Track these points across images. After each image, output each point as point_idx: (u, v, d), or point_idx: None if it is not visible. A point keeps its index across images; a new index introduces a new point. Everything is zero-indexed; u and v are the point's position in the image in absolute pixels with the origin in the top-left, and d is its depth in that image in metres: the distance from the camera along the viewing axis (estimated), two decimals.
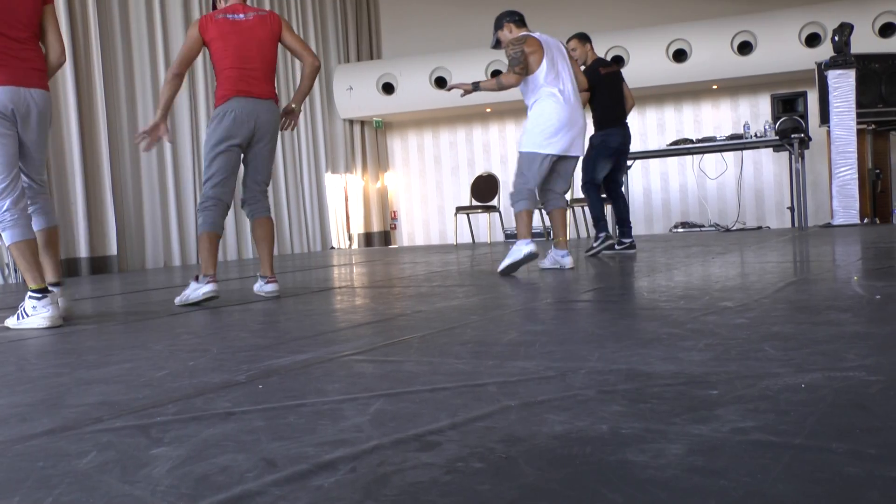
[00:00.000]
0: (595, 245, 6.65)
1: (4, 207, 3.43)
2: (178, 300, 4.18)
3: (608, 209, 7.39)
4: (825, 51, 9.89)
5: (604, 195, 6.86)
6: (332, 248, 12.19)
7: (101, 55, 8.45)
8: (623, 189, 7.09)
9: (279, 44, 4.40)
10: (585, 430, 1.32)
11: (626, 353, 2.01)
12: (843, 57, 9.24)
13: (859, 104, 9.33)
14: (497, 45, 5.33)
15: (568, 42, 6.67)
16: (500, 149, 13.06)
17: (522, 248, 4.87)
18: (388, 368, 2.00)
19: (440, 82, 11.88)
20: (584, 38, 6.80)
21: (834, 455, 1.13)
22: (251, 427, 1.48)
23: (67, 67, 8.05)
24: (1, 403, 1.86)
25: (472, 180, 11.89)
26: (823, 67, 9.46)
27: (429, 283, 4.68)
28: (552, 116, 5.03)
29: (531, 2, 12.62)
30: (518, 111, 12.75)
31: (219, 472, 1.22)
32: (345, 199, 12.76)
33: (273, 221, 4.47)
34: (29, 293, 3.47)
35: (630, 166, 10.48)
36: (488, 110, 12.75)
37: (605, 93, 6.65)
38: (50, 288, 3.56)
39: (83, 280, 7.31)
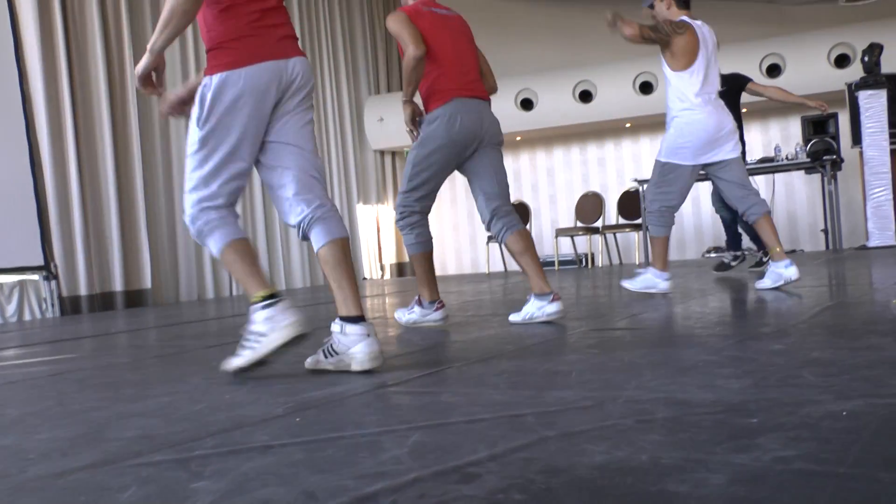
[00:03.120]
0: (734, 263, 6.68)
1: (210, 204, 2.62)
2: (404, 320, 3.96)
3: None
4: (855, 71, 9.82)
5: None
6: (364, 278, 12.23)
7: (135, 89, 8.59)
8: None
9: None
10: (625, 460, 1.31)
11: (664, 381, 1.99)
12: (873, 77, 9.17)
13: (892, 124, 9.24)
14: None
15: None
16: (531, 177, 13.06)
17: (659, 283, 4.69)
18: (425, 400, 2.00)
19: None
20: None
21: (881, 484, 1.11)
22: (291, 460, 1.48)
23: (103, 102, 8.19)
24: (43, 437, 1.88)
25: None
26: (854, 88, 9.39)
27: (463, 312, 4.68)
28: (699, 127, 4.56)
29: (560, 29, 12.71)
30: (548, 139, 12.78)
31: None
32: (376, 230, 12.81)
33: (529, 233, 3.92)
34: (254, 305, 2.58)
35: None
36: (518, 139, 12.78)
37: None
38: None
39: (118, 314, 7.39)
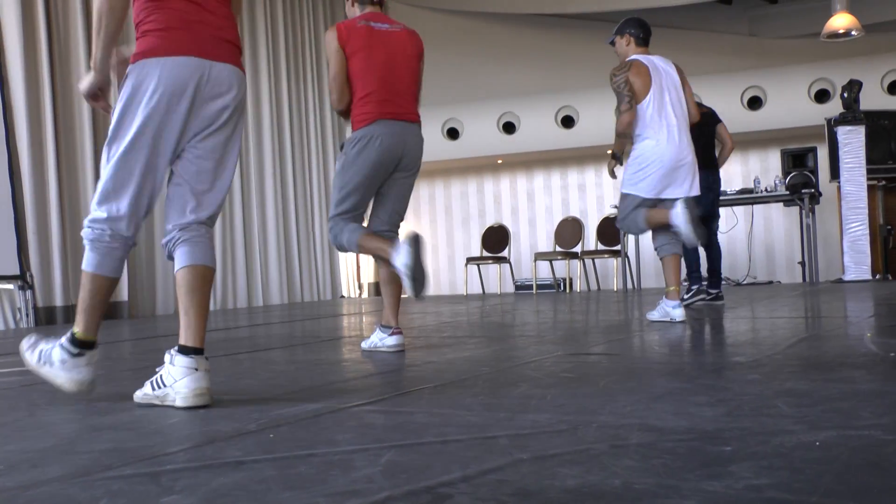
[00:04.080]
0: (686, 297, 6.42)
1: (109, 228, 2.45)
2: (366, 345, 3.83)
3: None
4: (834, 107, 9.97)
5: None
6: (342, 296, 12.20)
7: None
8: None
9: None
10: (598, 484, 1.31)
11: (638, 407, 2.00)
12: (852, 113, 9.30)
13: (869, 160, 9.37)
14: (612, 44, 4.94)
15: None
16: (511, 200, 13.12)
17: (674, 313, 4.56)
18: (398, 419, 2.00)
19: (452, 133, 11.97)
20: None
21: None
22: (262, 476, 1.47)
23: (85, 111, 8.16)
24: (12, 449, 1.86)
25: (482, 231, 11.93)
26: (833, 123, 9.51)
27: (439, 333, 4.68)
28: (651, 156, 4.61)
29: (542, 54, 12.79)
30: (529, 162, 12.85)
31: None
32: None
33: None
34: (66, 336, 2.51)
35: None
36: (499, 161, 12.84)
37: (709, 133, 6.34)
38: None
39: None
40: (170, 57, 2.37)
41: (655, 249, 4.85)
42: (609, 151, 4.95)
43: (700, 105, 6.15)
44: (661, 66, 4.74)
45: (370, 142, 3.61)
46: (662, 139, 4.60)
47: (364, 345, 3.83)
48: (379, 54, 3.65)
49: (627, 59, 4.74)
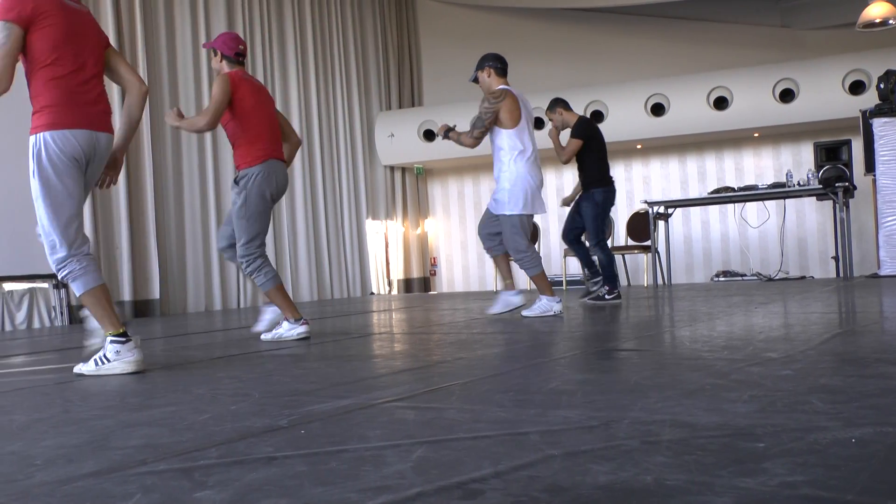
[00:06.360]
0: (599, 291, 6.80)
1: (70, 257, 3.41)
2: (269, 337, 4.51)
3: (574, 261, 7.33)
4: (870, 98, 9.80)
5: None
6: (372, 293, 12.23)
7: (148, 102, 8.64)
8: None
9: None
10: (630, 481, 1.31)
11: (670, 403, 1.98)
12: (888, 105, 9.15)
13: None
14: (475, 81, 5.51)
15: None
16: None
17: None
18: (429, 415, 2.00)
19: None
20: (553, 105, 7.22)
21: None
22: (294, 472, 1.48)
23: (116, 116, 8.23)
24: (48, 444, 1.89)
25: None
26: (868, 115, 9.36)
27: (469, 329, 4.67)
28: (527, 177, 5.24)
29: (572, 49, 12.74)
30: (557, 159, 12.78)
31: None
32: (385, 245, 12.82)
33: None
34: (109, 338, 3.24)
35: (671, 214, 10.44)
36: None
37: (599, 148, 6.92)
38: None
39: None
40: (70, 130, 3.22)
41: (487, 250, 5.57)
42: (452, 127, 5.58)
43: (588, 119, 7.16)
44: (523, 99, 5.36)
45: (268, 176, 4.43)
46: (530, 164, 5.28)
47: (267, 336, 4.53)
48: (263, 106, 4.52)
49: (499, 88, 5.27)
